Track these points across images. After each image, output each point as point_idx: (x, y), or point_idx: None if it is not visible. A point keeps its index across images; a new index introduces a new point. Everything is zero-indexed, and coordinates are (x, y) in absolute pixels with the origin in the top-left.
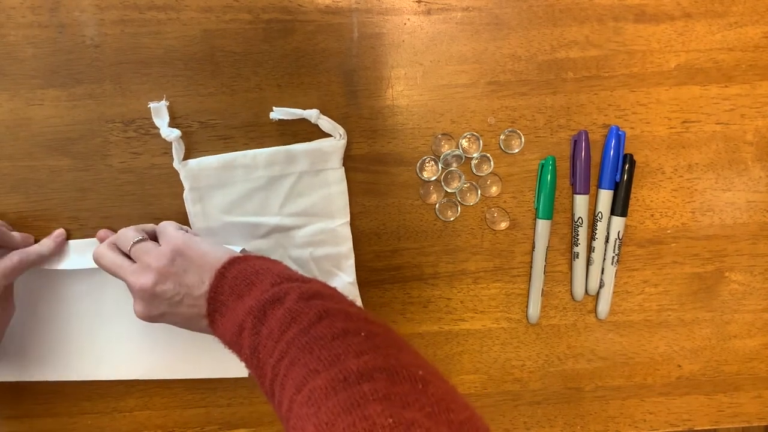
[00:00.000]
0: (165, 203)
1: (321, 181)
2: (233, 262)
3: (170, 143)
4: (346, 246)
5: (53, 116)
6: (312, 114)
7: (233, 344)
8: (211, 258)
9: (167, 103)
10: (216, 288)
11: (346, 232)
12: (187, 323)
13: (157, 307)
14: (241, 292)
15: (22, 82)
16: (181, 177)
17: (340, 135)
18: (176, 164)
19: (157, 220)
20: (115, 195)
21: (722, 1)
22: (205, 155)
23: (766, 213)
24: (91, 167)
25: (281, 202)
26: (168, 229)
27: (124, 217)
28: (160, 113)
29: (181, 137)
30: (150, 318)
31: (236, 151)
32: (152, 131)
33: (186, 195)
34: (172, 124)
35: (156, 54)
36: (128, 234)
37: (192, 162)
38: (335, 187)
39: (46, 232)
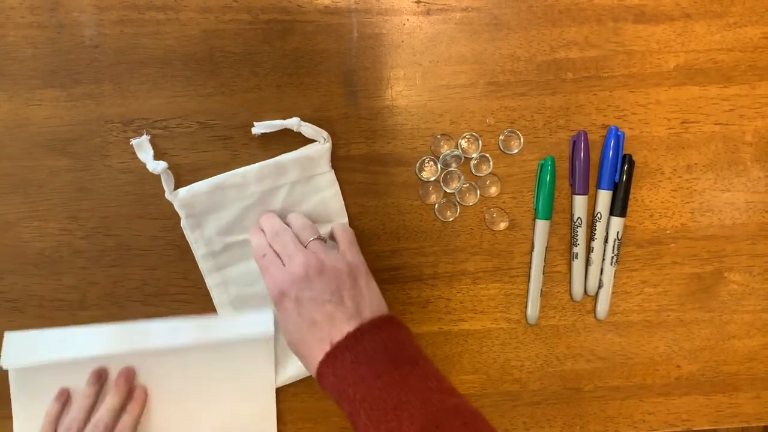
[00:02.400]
0: (165, 203)
1: (313, 187)
2: (396, 326)
3: (168, 143)
4: None
5: (52, 116)
6: (293, 123)
7: (332, 393)
8: (374, 303)
9: (149, 137)
10: (357, 338)
11: None
12: (300, 333)
13: (300, 289)
14: (378, 373)
15: (21, 82)
16: (176, 207)
17: (324, 139)
18: (168, 195)
19: (156, 221)
20: (114, 195)
21: (721, 2)
22: (205, 155)
23: (765, 213)
24: (90, 167)
25: (278, 215)
26: (353, 243)
27: (124, 217)
28: (143, 147)
29: (168, 168)
30: (281, 291)
31: (235, 151)
32: (151, 131)
33: (183, 223)
34: (172, 124)
35: (155, 54)
36: (307, 231)
37: (183, 191)
38: (328, 190)
39: (47, 232)
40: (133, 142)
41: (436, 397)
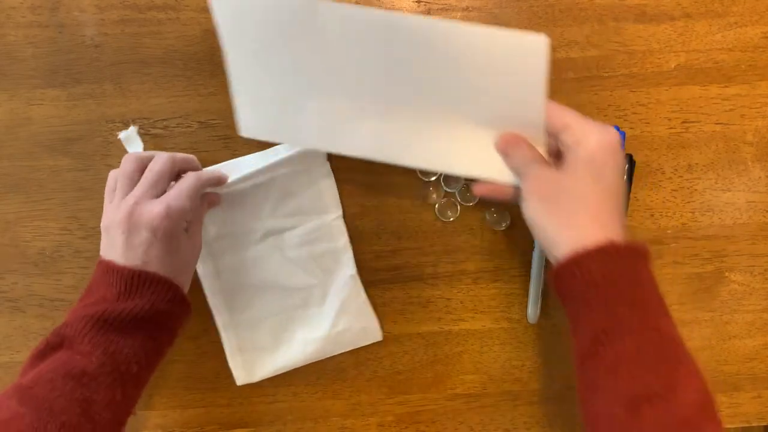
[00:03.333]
0: None
1: (308, 179)
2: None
3: (169, 143)
4: (343, 239)
5: (53, 116)
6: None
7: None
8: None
9: (137, 128)
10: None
11: (341, 225)
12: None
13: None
14: (660, 312)
15: (22, 81)
16: None
17: None
18: None
19: None
20: None
21: (722, 2)
22: (205, 155)
23: (766, 213)
24: (91, 167)
25: (272, 206)
26: None
27: None
28: (131, 141)
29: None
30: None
31: (236, 150)
32: (152, 131)
33: None
34: (172, 124)
35: (156, 54)
36: None
37: None
38: (323, 182)
39: (47, 232)
40: (121, 135)
41: (702, 375)
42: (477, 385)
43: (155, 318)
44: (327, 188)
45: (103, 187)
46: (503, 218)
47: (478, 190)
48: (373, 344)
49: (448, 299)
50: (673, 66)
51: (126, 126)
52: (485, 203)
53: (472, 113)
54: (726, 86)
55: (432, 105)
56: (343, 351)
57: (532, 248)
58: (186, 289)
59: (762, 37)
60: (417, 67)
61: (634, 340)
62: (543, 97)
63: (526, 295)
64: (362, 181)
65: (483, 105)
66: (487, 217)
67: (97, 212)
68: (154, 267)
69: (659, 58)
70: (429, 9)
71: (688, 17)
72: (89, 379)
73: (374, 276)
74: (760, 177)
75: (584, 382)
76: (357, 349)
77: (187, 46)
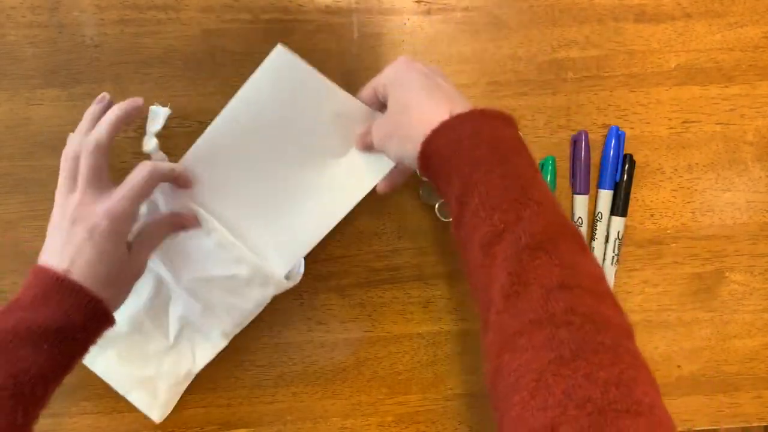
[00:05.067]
0: None
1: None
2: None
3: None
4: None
5: (53, 116)
6: None
7: (440, 169)
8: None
9: (170, 112)
10: (483, 115)
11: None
12: (417, 96)
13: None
14: (503, 158)
15: (21, 81)
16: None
17: None
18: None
19: None
20: None
21: (722, 1)
22: None
23: (766, 213)
24: None
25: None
26: None
27: None
28: (157, 117)
29: (159, 149)
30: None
31: None
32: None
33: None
34: (173, 123)
35: (156, 54)
36: None
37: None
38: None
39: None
40: (152, 108)
41: (559, 208)
42: (478, 385)
43: (69, 331)
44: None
45: None
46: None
47: (381, 189)
48: (373, 344)
49: (448, 299)
50: (673, 66)
51: (127, 125)
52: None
53: (330, 157)
54: (726, 86)
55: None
56: None
57: None
58: (114, 307)
59: (762, 37)
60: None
61: (490, 184)
62: (341, 93)
63: None
64: None
65: (327, 146)
66: (421, 192)
67: None
68: (81, 273)
69: (659, 58)
70: (429, 9)
71: (688, 17)
72: None
73: (374, 276)
74: (760, 177)
75: (459, 242)
76: (357, 349)
77: (187, 46)
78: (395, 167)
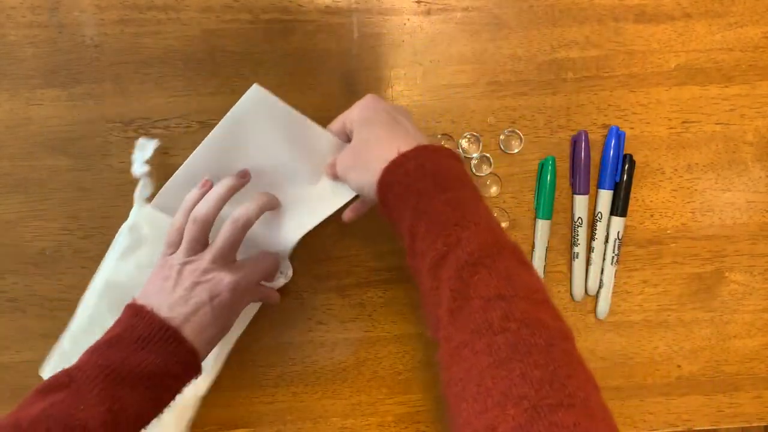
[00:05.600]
0: None
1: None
2: (458, 158)
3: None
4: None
5: (53, 116)
6: None
7: (394, 204)
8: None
9: (158, 144)
10: (425, 150)
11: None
12: (367, 144)
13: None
14: (443, 187)
15: (21, 81)
16: (132, 213)
17: None
18: (136, 199)
19: None
20: (115, 195)
21: (722, 2)
22: None
23: (766, 213)
24: (91, 167)
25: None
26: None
27: (124, 217)
28: (144, 148)
29: (148, 175)
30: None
31: None
32: (152, 131)
33: (124, 227)
34: (173, 124)
35: (156, 54)
36: None
37: (148, 208)
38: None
39: (47, 232)
40: (140, 141)
41: (498, 228)
42: None
43: (165, 378)
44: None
45: (104, 187)
46: (504, 218)
47: (346, 217)
48: (373, 344)
49: None
50: (673, 66)
51: (127, 125)
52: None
53: (302, 185)
54: (726, 86)
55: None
56: None
57: (532, 248)
58: (203, 357)
59: (762, 37)
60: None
61: (434, 212)
62: (315, 127)
63: None
64: None
65: (300, 175)
66: None
67: (97, 212)
68: (191, 330)
69: (659, 58)
70: (429, 9)
71: (688, 17)
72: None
73: (374, 276)
74: (760, 177)
75: (413, 271)
76: (357, 348)
77: (187, 46)
78: (359, 197)
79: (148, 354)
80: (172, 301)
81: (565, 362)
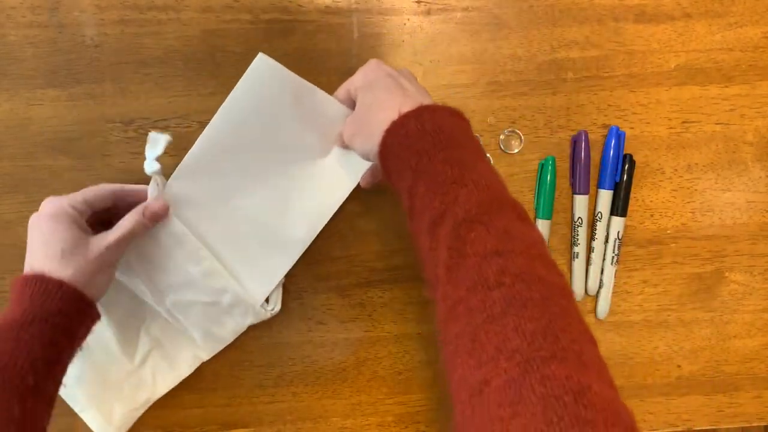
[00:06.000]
0: None
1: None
2: (464, 118)
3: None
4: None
5: (53, 116)
6: None
7: (394, 164)
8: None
9: (170, 139)
10: (426, 110)
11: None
12: (369, 108)
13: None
14: (442, 146)
15: (22, 82)
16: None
17: None
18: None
19: None
20: None
21: (722, 2)
22: None
23: (766, 213)
24: (91, 167)
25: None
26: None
27: None
28: (157, 144)
29: (160, 174)
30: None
31: None
32: (152, 131)
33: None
34: (173, 123)
35: (156, 54)
36: None
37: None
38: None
39: None
40: (151, 135)
41: (499, 185)
42: None
43: (49, 320)
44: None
45: None
46: None
47: (364, 183)
48: (373, 344)
49: None
50: (673, 66)
51: (127, 125)
52: None
53: (314, 158)
54: (726, 86)
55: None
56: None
57: None
58: (91, 294)
59: (762, 37)
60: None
61: (434, 171)
62: (322, 94)
63: None
64: None
65: (311, 146)
66: None
67: None
68: (35, 261)
69: (659, 58)
70: (429, 9)
71: (688, 17)
72: None
73: (374, 276)
74: (760, 177)
75: (413, 233)
76: (357, 349)
77: (187, 46)
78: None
79: (22, 305)
80: (28, 255)
81: (560, 316)
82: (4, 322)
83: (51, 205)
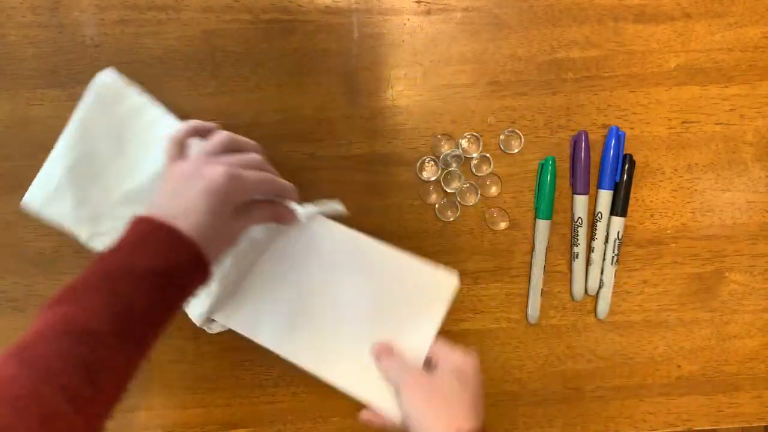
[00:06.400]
0: None
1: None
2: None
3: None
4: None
5: (53, 116)
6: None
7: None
8: None
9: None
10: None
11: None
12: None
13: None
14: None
15: (22, 81)
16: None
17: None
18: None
19: None
20: None
21: (722, 2)
22: None
23: (766, 213)
24: None
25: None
26: None
27: None
28: (327, 207)
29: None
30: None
31: None
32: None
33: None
34: None
35: (156, 54)
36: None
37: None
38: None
39: (47, 232)
40: (332, 204)
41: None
42: None
43: (170, 275)
44: None
45: None
46: (504, 218)
47: (364, 416)
48: None
49: None
50: (673, 66)
51: None
52: (486, 203)
53: (371, 329)
54: (726, 86)
55: (340, 314)
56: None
57: (532, 248)
58: (212, 257)
59: (762, 37)
60: (335, 273)
61: None
62: (436, 328)
63: (527, 294)
64: (362, 181)
65: (383, 323)
66: (488, 216)
67: None
68: (188, 222)
69: (659, 58)
70: (429, 9)
71: (688, 17)
72: (92, 339)
73: None
74: (760, 177)
75: None
76: None
77: (188, 47)
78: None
79: (144, 254)
80: (167, 199)
81: None
82: (127, 261)
83: (230, 182)
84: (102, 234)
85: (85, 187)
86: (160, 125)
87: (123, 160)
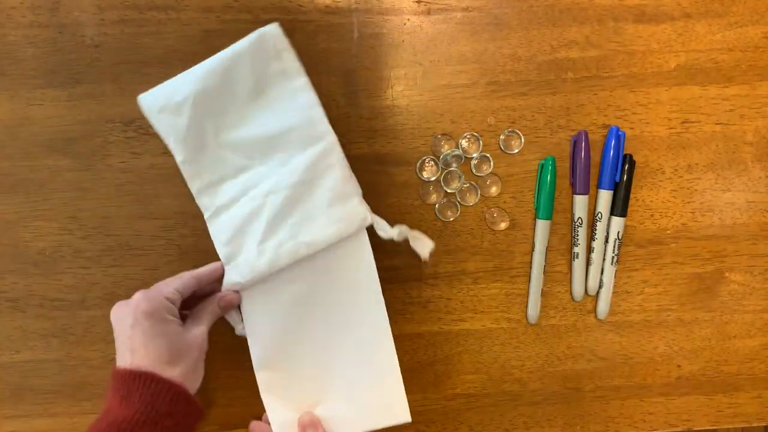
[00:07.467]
0: (165, 203)
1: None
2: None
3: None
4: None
5: (53, 116)
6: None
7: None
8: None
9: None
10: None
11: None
12: None
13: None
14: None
15: (22, 81)
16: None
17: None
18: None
19: (157, 221)
20: (115, 195)
21: (722, 1)
22: None
23: (766, 213)
24: (91, 167)
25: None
26: None
27: (124, 217)
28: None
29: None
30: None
31: None
32: (152, 131)
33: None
34: None
35: (156, 54)
36: None
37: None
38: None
39: (47, 232)
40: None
41: None
42: (477, 385)
43: (160, 422)
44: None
45: (104, 187)
46: (504, 218)
47: None
48: None
49: (448, 299)
50: (673, 66)
51: (127, 125)
52: (486, 203)
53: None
54: (726, 86)
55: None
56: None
57: (532, 248)
58: (192, 389)
59: (762, 37)
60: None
61: None
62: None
63: (527, 295)
64: (362, 181)
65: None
66: (488, 216)
67: (97, 212)
68: (143, 358)
69: (659, 58)
70: (429, 9)
71: (688, 17)
72: None
73: None
74: (760, 177)
75: None
76: None
77: (188, 46)
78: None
79: (133, 405)
80: (120, 349)
81: None
82: (114, 420)
83: (148, 302)
84: (200, 168)
85: (204, 116)
86: (302, 97)
87: (252, 110)
